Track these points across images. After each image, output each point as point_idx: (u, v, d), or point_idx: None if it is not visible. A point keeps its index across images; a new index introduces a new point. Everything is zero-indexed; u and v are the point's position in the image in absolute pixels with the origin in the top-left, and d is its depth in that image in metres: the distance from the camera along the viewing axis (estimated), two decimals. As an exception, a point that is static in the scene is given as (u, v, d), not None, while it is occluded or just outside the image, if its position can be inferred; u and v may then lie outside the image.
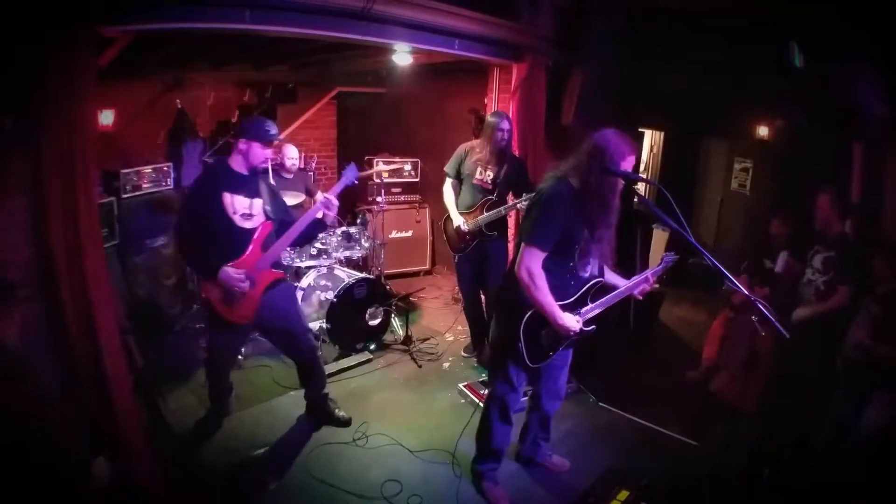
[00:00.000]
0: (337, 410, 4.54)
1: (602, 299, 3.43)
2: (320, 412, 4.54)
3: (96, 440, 3.32)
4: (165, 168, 5.82)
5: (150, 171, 5.60)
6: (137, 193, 5.45)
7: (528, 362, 3.37)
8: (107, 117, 5.88)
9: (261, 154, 3.76)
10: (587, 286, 3.39)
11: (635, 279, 3.48)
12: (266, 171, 3.91)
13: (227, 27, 3.74)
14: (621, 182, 3.17)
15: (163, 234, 5.77)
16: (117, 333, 3.38)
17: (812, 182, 4.84)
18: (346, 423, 4.49)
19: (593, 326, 3.44)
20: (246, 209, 3.76)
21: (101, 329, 3.21)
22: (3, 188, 3.02)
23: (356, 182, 4.10)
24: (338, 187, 3.94)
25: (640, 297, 3.57)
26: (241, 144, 3.76)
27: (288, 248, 5.04)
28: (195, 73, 7.08)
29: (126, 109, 6.42)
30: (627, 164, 3.16)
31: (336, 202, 3.88)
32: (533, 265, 3.14)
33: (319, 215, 3.86)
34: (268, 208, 3.85)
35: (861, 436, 3.79)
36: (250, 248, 3.75)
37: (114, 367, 3.28)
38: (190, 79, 7.23)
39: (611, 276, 3.54)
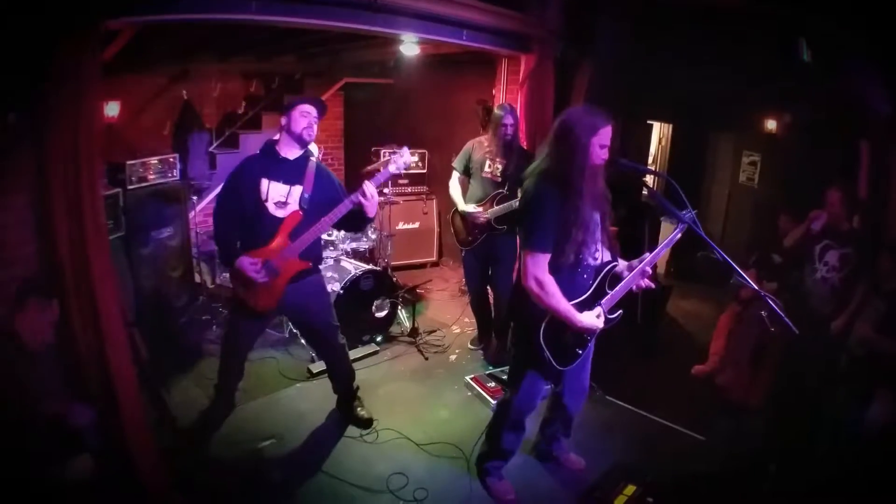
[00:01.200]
0: (359, 409, 4.48)
1: (622, 283, 3.26)
2: (344, 407, 4.52)
3: (100, 432, 3.33)
4: (171, 159, 5.79)
5: (155, 162, 5.57)
6: (143, 185, 5.43)
7: (557, 367, 3.25)
8: (112, 109, 5.89)
9: (301, 119, 3.65)
10: (602, 274, 3.26)
11: (652, 255, 3.29)
12: (311, 138, 3.75)
13: (233, 18, 3.72)
14: (595, 161, 3.01)
15: (169, 225, 5.76)
16: (122, 326, 3.37)
17: (820, 177, 4.81)
18: (365, 423, 4.42)
19: (619, 312, 3.34)
20: (282, 197, 3.68)
21: (105, 321, 3.20)
22: (8, 183, 3.02)
23: (403, 171, 3.92)
24: (381, 176, 3.71)
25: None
26: (283, 119, 3.71)
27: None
28: (201, 64, 7.07)
29: (132, 101, 6.45)
30: (602, 138, 2.99)
31: (372, 193, 3.62)
32: (539, 272, 3.04)
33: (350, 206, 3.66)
34: (306, 196, 3.73)
35: (866, 432, 3.78)
36: (277, 236, 3.68)
37: (118, 360, 3.27)
38: (196, 70, 7.22)
39: (620, 263, 3.38)
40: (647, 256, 3.28)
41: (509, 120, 4.89)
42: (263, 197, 3.66)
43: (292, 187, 3.71)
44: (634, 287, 3.29)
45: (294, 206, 3.71)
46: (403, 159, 3.78)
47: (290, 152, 3.75)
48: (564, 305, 3.07)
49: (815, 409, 4.18)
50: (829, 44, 4.58)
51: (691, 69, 5.51)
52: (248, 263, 3.61)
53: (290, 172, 3.72)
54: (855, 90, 4.49)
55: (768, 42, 4.88)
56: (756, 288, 3.12)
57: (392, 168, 3.75)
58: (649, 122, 8.70)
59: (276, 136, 3.79)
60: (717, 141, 8.34)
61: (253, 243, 3.69)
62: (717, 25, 4.96)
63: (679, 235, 3.35)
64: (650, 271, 3.29)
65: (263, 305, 3.80)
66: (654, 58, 5.50)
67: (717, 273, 5.69)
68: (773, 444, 4.21)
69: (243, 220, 3.72)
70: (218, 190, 3.99)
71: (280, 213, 3.69)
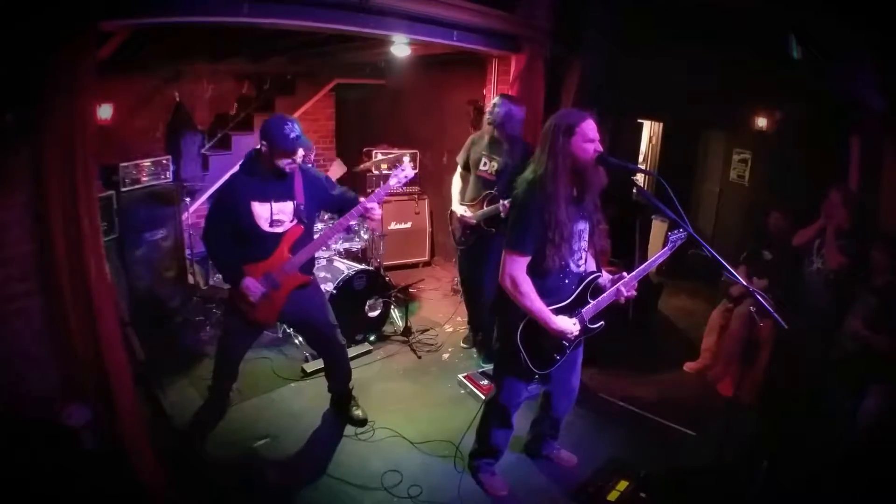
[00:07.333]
0: (354, 409, 4.49)
1: (603, 295, 3.29)
2: (339, 407, 4.53)
3: (98, 434, 3.34)
4: (164, 161, 5.81)
5: (148, 164, 5.59)
6: (136, 187, 5.44)
7: (534, 371, 3.29)
8: (105, 111, 5.89)
9: (283, 161, 3.50)
10: (585, 283, 3.28)
11: (634, 273, 3.32)
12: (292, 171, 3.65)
13: (225, 20, 3.74)
14: (583, 157, 3.00)
15: (162, 226, 5.77)
16: (118, 326, 3.39)
17: (810, 174, 4.85)
18: (360, 422, 4.43)
19: (601, 323, 3.36)
20: (277, 215, 3.61)
21: (101, 322, 3.22)
22: (5, 182, 3.03)
23: (404, 184, 3.94)
24: (382, 191, 3.78)
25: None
26: (263, 147, 3.51)
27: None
28: (193, 66, 7.07)
29: (125, 103, 6.45)
30: (584, 133, 2.99)
31: (378, 212, 3.77)
32: (516, 272, 3.07)
33: (354, 222, 3.71)
34: (302, 208, 3.69)
35: (859, 427, 3.81)
36: (278, 250, 3.65)
37: (115, 361, 3.29)
38: (188, 72, 7.23)
39: (604, 275, 3.39)
40: (627, 275, 3.33)
41: (499, 110, 4.77)
42: (258, 219, 3.58)
43: (285, 203, 3.65)
44: (622, 299, 3.30)
45: (290, 221, 3.68)
46: (405, 173, 3.86)
47: (272, 172, 3.60)
48: (538, 306, 3.11)
49: (808, 404, 4.21)
50: (822, 40, 4.61)
51: (682, 67, 5.54)
52: (254, 287, 3.58)
53: (279, 189, 3.63)
54: (848, 86, 4.53)
55: (759, 39, 4.91)
56: (745, 284, 3.15)
57: (392, 182, 3.82)
58: (640, 120, 8.74)
59: (257, 149, 3.61)
60: (707, 139, 8.35)
61: (254, 257, 3.64)
62: (708, 22, 4.99)
63: (668, 254, 3.42)
64: (635, 285, 3.32)
65: (263, 319, 3.80)
66: (644, 56, 5.53)
67: (708, 270, 5.74)
68: (765, 439, 4.24)
69: (241, 239, 3.62)
70: (206, 210, 3.85)
71: (277, 230, 3.64)
